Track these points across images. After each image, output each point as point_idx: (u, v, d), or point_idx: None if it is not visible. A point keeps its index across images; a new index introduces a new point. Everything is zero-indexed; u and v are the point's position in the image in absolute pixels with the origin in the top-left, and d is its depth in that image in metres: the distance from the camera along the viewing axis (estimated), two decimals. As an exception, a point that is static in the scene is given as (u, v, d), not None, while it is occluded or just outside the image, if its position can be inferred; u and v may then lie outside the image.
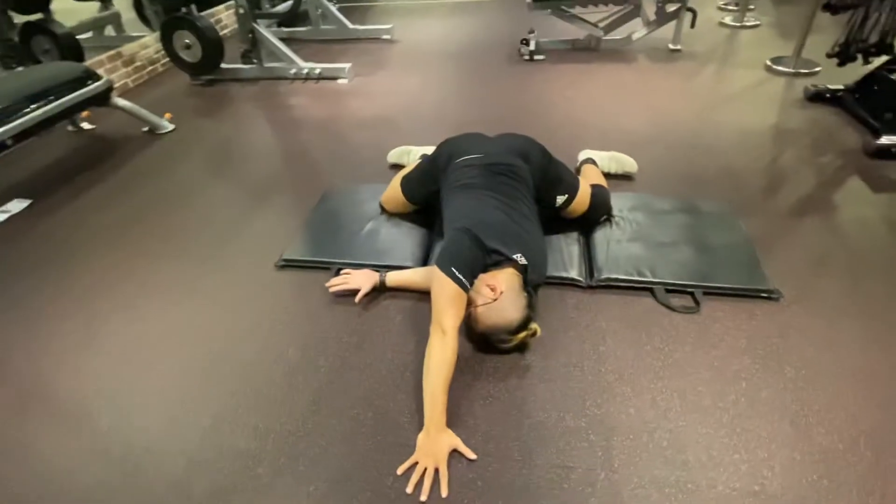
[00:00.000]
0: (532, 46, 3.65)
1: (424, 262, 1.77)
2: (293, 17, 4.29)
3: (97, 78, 2.68)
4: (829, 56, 2.71)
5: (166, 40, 3.42)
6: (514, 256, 1.41)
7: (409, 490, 1.14)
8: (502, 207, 1.51)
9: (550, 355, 1.45)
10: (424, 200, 1.92)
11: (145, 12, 4.25)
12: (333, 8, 4.34)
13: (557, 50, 3.79)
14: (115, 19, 4.25)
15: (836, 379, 1.33)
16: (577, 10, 3.64)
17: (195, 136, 2.90)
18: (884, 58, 2.56)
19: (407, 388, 1.37)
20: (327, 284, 1.67)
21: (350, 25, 4.38)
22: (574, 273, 1.68)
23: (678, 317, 1.54)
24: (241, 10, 3.32)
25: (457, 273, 1.34)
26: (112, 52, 3.49)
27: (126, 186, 2.43)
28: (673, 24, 3.60)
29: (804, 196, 2.07)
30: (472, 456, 1.20)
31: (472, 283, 1.37)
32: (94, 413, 1.37)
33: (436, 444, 1.20)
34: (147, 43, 3.79)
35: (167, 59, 3.78)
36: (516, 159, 1.67)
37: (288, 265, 1.83)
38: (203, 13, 3.56)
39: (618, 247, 1.76)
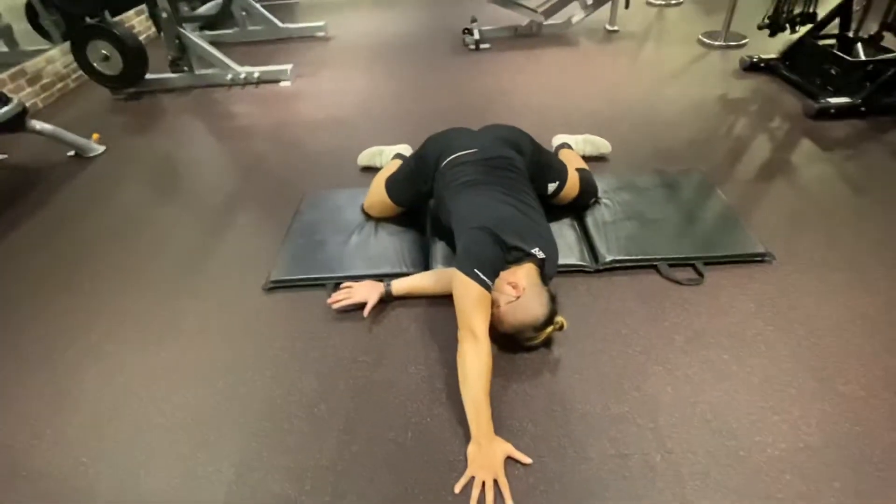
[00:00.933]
0: (476, 35, 3.62)
1: (425, 265, 1.70)
2: (217, 20, 3.99)
3: (6, 100, 2.35)
4: (760, 28, 2.89)
5: (79, 53, 3.06)
6: (533, 251, 1.37)
7: None
8: (511, 201, 1.46)
9: (576, 344, 1.43)
10: (412, 202, 1.84)
11: (42, 22, 3.78)
12: (260, 6, 4.08)
13: (501, 38, 3.78)
14: (6, 33, 3.76)
15: (841, 329, 1.42)
16: (517, -3, 3.66)
17: (130, 155, 2.62)
18: (808, 26, 2.77)
19: (441, 400, 1.31)
20: (329, 301, 1.56)
21: (280, 24, 4.14)
22: (578, 259, 1.67)
23: (685, 289, 1.58)
24: (165, 15, 3.03)
25: (480, 274, 1.28)
26: (13, 70, 3.08)
27: (62, 220, 2.15)
28: (608, 5, 3.70)
29: (765, 160, 2.19)
30: (528, 460, 1.16)
31: (494, 283, 1.33)
32: (91, 483, 1.19)
33: (489, 454, 1.15)
34: (53, 57, 3.38)
35: (79, 73, 3.41)
36: (510, 151, 1.63)
37: (277, 287, 1.69)
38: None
39: (614, 228, 1.78)
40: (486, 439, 1.17)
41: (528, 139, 1.73)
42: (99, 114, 3.11)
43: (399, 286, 1.59)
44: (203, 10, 3.97)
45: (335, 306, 1.55)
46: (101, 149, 2.65)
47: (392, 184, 1.83)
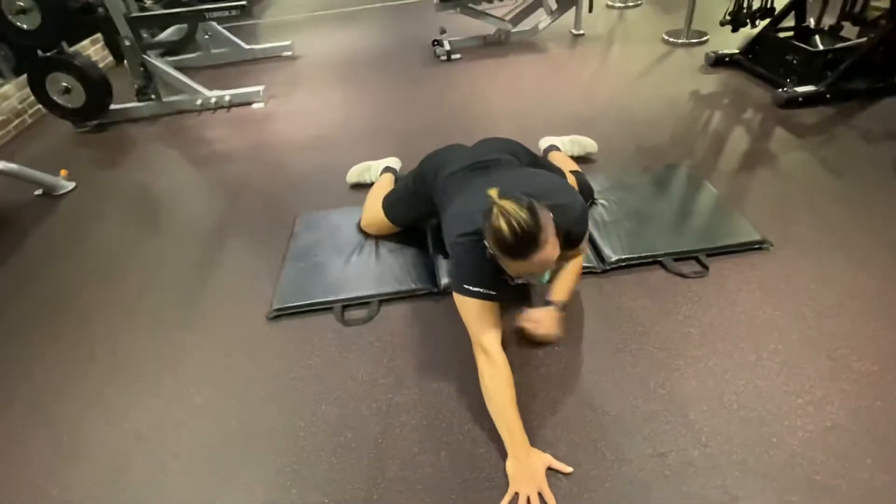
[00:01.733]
0: (447, 46, 3.64)
1: (432, 281, 1.67)
2: (179, 45, 3.89)
3: (-35, 141, 2.21)
4: (722, 24, 3.01)
5: (38, 87, 2.92)
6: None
7: None
8: (490, 182, 1.32)
9: (595, 346, 1.43)
10: (412, 222, 1.82)
11: (-9, 57, 3.61)
12: (222, 29, 4.00)
13: (471, 47, 3.81)
14: (-47, 70, 3.56)
15: (844, 308, 1.46)
16: (484, 6, 3.70)
17: (104, 190, 2.51)
18: (767, 20, 2.90)
19: (469, 416, 1.28)
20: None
21: (245, 46, 4.07)
22: (585, 261, 1.67)
23: (692, 282, 1.61)
24: (128, 43, 2.93)
25: (471, 288, 1.25)
26: (-34, 109, 2.91)
27: (37, 264, 2.03)
28: (573, 10, 3.79)
29: (745, 150, 2.26)
30: (568, 469, 1.14)
31: (487, 282, 1.25)
32: (108, 544, 1.11)
33: (529, 467, 1.13)
34: (7, 93, 3.21)
35: (36, 108, 3.26)
36: (503, 154, 1.62)
37: (281, 314, 1.63)
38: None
39: (614, 227, 1.80)
40: (524, 452, 1.15)
41: (523, 148, 1.73)
42: (63, 149, 2.97)
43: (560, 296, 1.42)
44: (164, 35, 3.86)
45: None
46: (71, 185, 2.53)
47: (390, 205, 1.80)
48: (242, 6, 2.92)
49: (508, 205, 1.09)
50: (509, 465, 1.15)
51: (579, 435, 1.22)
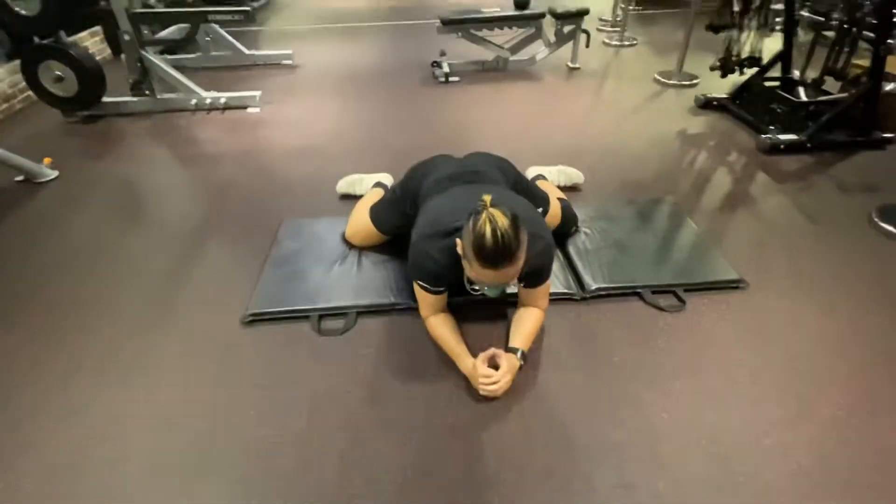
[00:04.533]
0: (446, 68, 3.70)
1: (413, 295, 1.65)
2: (179, 44, 3.89)
3: (-52, 120, 2.17)
4: (712, 69, 3.11)
5: (30, 73, 2.88)
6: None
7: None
8: (473, 192, 1.39)
9: (569, 373, 1.43)
10: (398, 229, 1.82)
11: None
12: (224, 32, 4.02)
13: (469, 71, 3.88)
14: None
15: (814, 353, 1.49)
16: (484, 33, 3.78)
17: (87, 181, 2.47)
18: (755, 69, 3.01)
19: (439, 434, 1.26)
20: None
21: (246, 51, 4.09)
22: (565, 287, 1.69)
23: (669, 315, 1.62)
24: (127, 37, 2.93)
25: (422, 283, 1.43)
26: (-47, 89, 2.87)
27: (11, 250, 1.98)
28: (570, 44, 3.89)
29: (727, 191, 2.32)
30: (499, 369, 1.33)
31: (440, 283, 1.43)
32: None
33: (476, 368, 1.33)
34: (-2, 76, 3.18)
35: (27, 94, 3.21)
36: (491, 168, 1.64)
37: (257, 320, 1.61)
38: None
39: (596, 256, 1.82)
40: (470, 361, 1.36)
41: (511, 166, 1.76)
42: (50, 137, 2.93)
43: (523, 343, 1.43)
44: (166, 33, 3.86)
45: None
46: (54, 174, 2.49)
47: (376, 211, 1.81)
48: (246, 12, 2.94)
49: (498, 214, 1.15)
50: (464, 370, 1.38)
51: (547, 460, 1.21)
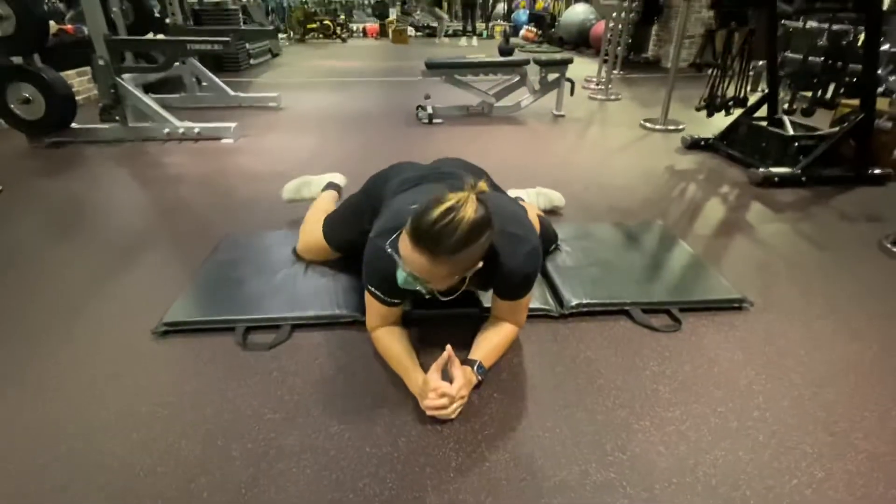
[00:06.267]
0: (430, 110, 3.66)
1: (362, 307, 1.41)
2: (162, 83, 3.88)
3: None
4: (697, 109, 3.06)
5: (-5, 92, 2.79)
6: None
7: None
8: (443, 185, 1.21)
9: (543, 398, 1.16)
10: (354, 244, 1.57)
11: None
12: (210, 73, 4.03)
13: (453, 115, 3.85)
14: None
15: (840, 378, 1.23)
16: (469, 79, 3.79)
17: (30, 196, 2.28)
18: (741, 110, 2.95)
19: (369, 472, 0.97)
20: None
21: (231, 92, 4.09)
22: (541, 303, 1.45)
23: (663, 336, 1.37)
24: (101, 62, 2.87)
25: (373, 289, 1.19)
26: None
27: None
28: (555, 92, 3.89)
29: (721, 219, 2.14)
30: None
31: (393, 291, 1.15)
32: None
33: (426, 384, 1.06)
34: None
35: (-5, 119, 3.11)
36: (464, 172, 1.45)
37: (172, 330, 1.35)
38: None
39: (577, 273, 1.59)
40: (421, 378, 1.09)
41: (487, 175, 1.58)
42: (8, 159, 2.77)
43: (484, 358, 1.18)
44: (152, 77, 3.83)
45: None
46: (-5, 189, 2.30)
47: (330, 225, 1.59)
48: (226, 42, 2.91)
49: (471, 204, 0.94)
50: (413, 389, 1.12)
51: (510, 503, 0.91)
